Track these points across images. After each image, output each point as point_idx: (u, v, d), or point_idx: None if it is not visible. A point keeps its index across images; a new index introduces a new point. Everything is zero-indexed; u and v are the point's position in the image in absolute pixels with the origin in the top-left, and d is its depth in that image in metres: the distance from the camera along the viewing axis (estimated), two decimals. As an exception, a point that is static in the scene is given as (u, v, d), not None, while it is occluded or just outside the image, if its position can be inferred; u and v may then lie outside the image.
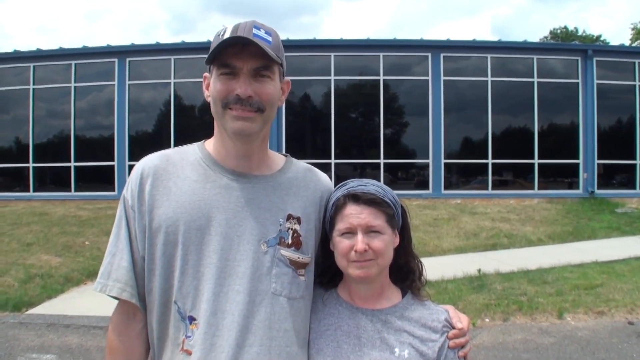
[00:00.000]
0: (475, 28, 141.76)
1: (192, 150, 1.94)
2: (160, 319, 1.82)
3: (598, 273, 9.58)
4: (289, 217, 1.87)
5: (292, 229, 1.87)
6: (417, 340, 1.87)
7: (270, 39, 1.77)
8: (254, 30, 1.74)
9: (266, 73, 1.77)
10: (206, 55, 1.77)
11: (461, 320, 1.97)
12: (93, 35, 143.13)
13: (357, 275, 1.86)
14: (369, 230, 1.84)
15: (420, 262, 2.09)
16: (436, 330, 1.91)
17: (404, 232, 2.01)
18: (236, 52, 1.73)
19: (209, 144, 1.96)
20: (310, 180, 2.02)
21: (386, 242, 1.87)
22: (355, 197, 1.88)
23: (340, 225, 1.88)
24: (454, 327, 1.94)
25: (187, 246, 1.77)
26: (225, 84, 1.76)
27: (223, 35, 1.75)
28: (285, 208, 1.88)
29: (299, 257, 1.87)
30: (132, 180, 1.87)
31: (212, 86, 1.81)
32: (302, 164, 2.08)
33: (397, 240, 1.96)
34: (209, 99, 1.85)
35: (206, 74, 1.89)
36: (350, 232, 1.85)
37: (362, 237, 1.82)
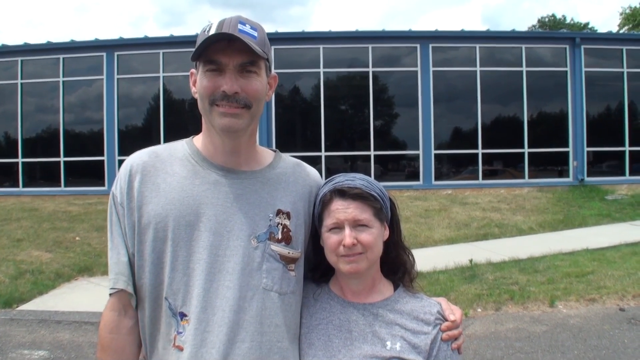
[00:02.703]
0: (466, 17, 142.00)
1: (180, 147, 1.95)
2: (151, 315, 1.83)
3: (589, 260, 9.64)
4: (279, 212, 1.88)
5: (281, 224, 1.87)
6: (409, 333, 1.88)
7: (255, 34, 1.77)
8: (240, 26, 1.74)
9: (252, 69, 1.77)
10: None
11: (454, 313, 1.98)
12: (81, 28, 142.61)
13: (347, 270, 1.86)
14: (357, 225, 1.84)
15: (412, 255, 2.09)
16: (428, 322, 1.91)
17: (393, 225, 2.02)
18: (222, 48, 1.73)
19: (198, 140, 1.96)
20: (299, 175, 2.03)
21: (374, 236, 1.87)
22: (342, 192, 1.88)
23: (328, 221, 1.88)
24: (446, 320, 1.94)
25: (177, 242, 1.77)
26: (211, 80, 1.76)
27: (208, 31, 1.75)
28: (275, 203, 1.88)
29: (289, 252, 1.87)
30: (121, 177, 1.87)
31: (198, 83, 1.81)
32: (291, 159, 2.08)
33: (386, 234, 1.97)
34: (196, 95, 1.85)
35: (193, 70, 1.89)
36: (338, 227, 1.85)
37: (349, 232, 1.82)
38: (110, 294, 1.87)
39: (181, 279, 1.77)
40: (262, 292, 1.79)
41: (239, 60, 1.74)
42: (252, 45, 1.71)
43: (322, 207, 1.92)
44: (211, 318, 1.73)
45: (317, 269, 2.04)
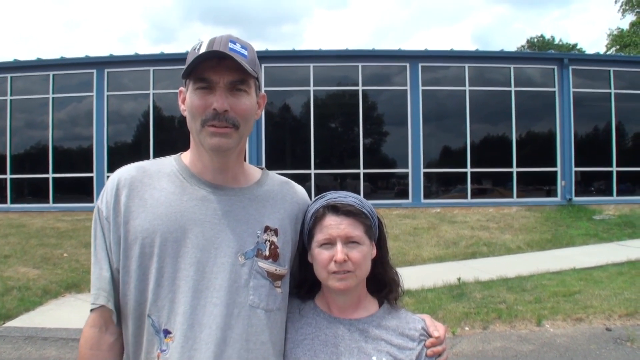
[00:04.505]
0: (456, 37, 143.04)
1: (168, 162, 1.94)
2: (134, 332, 1.81)
3: (576, 280, 9.67)
4: (266, 229, 1.87)
5: (269, 240, 1.87)
6: (394, 349, 1.89)
7: (246, 53, 1.78)
8: (230, 45, 1.74)
9: (242, 87, 1.78)
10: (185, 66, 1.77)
11: (438, 329, 2.00)
12: (70, 44, 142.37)
13: (337, 287, 1.87)
14: (348, 241, 1.85)
15: (397, 273, 2.10)
16: (413, 338, 1.93)
17: (380, 243, 2.03)
18: (212, 66, 1.73)
19: (186, 157, 1.96)
20: (287, 192, 2.03)
21: (364, 253, 1.88)
22: (335, 208, 1.89)
23: (320, 236, 1.89)
24: (430, 336, 1.96)
25: (163, 258, 1.76)
26: (201, 98, 1.75)
27: (199, 49, 1.75)
28: (263, 220, 1.88)
29: (276, 269, 1.87)
30: (107, 191, 1.86)
31: (188, 100, 1.81)
32: (279, 177, 2.08)
33: (374, 252, 1.98)
34: (185, 113, 1.85)
35: (182, 88, 1.89)
36: (330, 243, 1.86)
37: (341, 248, 1.83)
38: (91, 310, 1.85)
39: (166, 295, 1.75)
40: (249, 309, 1.79)
41: (229, 79, 1.74)
42: (242, 63, 1.72)
43: (314, 223, 1.92)
44: (198, 335, 1.72)
45: (303, 285, 2.04)
